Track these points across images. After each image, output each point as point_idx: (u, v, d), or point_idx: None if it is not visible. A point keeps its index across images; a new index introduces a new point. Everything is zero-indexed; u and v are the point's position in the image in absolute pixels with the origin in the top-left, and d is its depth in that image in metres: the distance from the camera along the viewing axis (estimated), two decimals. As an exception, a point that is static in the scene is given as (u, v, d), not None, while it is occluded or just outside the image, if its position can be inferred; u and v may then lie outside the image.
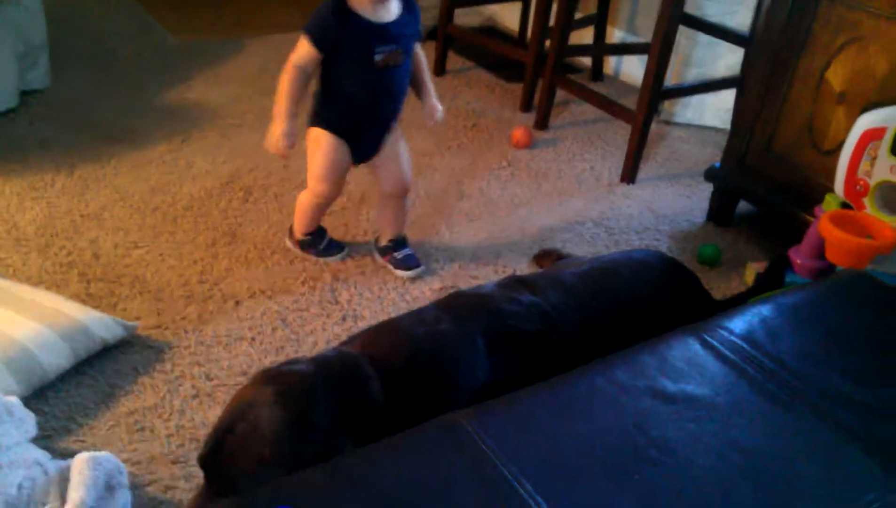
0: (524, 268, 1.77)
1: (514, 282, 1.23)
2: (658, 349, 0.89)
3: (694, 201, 2.12)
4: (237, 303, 1.59)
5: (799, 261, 1.67)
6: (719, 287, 1.75)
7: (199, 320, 1.53)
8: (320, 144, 1.61)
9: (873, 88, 1.63)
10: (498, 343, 1.12)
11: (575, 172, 2.23)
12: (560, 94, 2.50)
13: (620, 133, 2.42)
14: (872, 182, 1.45)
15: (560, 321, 1.14)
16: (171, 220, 1.84)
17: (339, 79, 1.55)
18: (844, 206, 1.54)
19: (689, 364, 0.86)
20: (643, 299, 1.25)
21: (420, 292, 1.67)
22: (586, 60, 2.92)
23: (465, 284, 1.71)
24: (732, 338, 0.91)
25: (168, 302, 1.57)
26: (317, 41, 1.50)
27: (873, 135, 1.44)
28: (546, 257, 1.78)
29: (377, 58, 1.51)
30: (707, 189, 2.06)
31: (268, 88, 2.59)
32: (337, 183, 1.65)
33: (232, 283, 1.64)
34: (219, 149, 2.17)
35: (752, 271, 1.79)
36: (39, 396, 1.30)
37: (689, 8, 2.32)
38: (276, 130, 1.54)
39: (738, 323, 0.94)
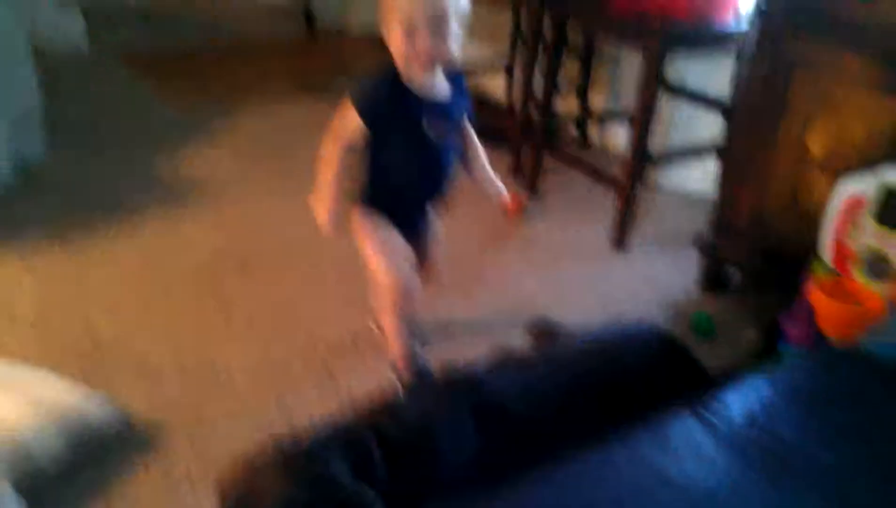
0: (517, 339, 1.78)
1: (507, 359, 1.24)
2: (655, 428, 0.89)
3: (684, 267, 2.14)
4: (231, 379, 1.58)
5: (790, 329, 1.69)
6: (714, 356, 1.76)
7: (193, 398, 1.52)
8: (366, 229, 1.50)
9: (852, 154, 1.67)
10: (487, 421, 1.13)
11: (566, 240, 2.26)
12: (547, 161, 2.54)
13: (609, 199, 2.45)
14: (858, 250, 1.48)
15: (553, 400, 1.14)
16: (165, 294, 1.84)
17: (385, 155, 1.46)
18: (833, 273, 1.57)
19: (687, 444, 0.87)
20: (639, 379, 1.25)
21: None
22: (571, 130, 2.98)
23: (457, 358, 1.71)
24: (730, 415, 0.92)
25: (163, 381, 1.56)
26: (367, 117, 1.39)
27: (856, 203, 1.48)
28: (538, 327, 1.79)
29: (428, 133, 1.43)
30: (697, 255, 2.09)
31: (261, 157, 2.65)
32: (403, 267, 1.48)
33: (227, 358, 1.64)
34: (213, 220, 2.19)
35: (745, 341, 1.80)
36: (32, 484, 1.28)
37: (671, 76, 2.40)
38: (322, 212, 1.42)
39: (735, 400, 0.94)
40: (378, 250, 1.47)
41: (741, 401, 0.95)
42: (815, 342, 1.56)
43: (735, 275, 2.05)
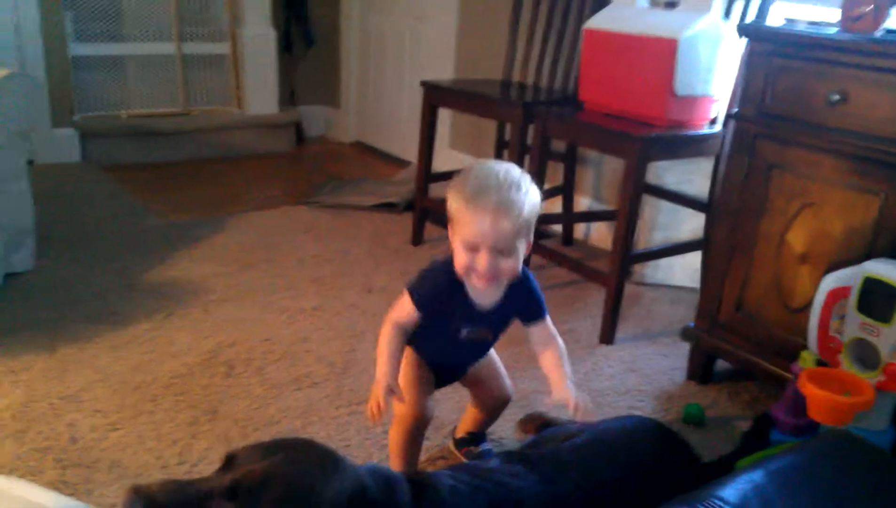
0: (510, 433, 1.75)
1: (514, 459, 1.25)
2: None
3: (673, 359, 2.15)
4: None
5: (782, 419, 1.68)
6: (706, 447, 1.74)
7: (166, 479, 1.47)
8: (406, 363, 1.51)
9: (833, 248, 1.72)
10: None
11: (554, 336, 2.26)
12: (535, 258, 2.58)
13: (595, 295, 2.49)
14: (844, 339, 1.50)
15: (561, 499, 1.14)
16: (150, 399, 1.81)
17: (421, 334, 1.47)
18: (820, 363, 1.58)
19: (687, 539, 0.85)
20: (640, 472, 1.25)
21: (406, 466, 1.63)
22: (557, 227, 3.05)
23: (450, 455, 1.68)
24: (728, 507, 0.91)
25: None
26: (423, 306, 1.41)
27: (839, 294, 1.51)
28: (531, 422, 1.78)
29: (462, 334, 1.45)
30: (685, 347, 2.10)
31: (249, 263, 2.68)
32: (425, 401, 1.48)
33: (211, 464, 1.59)
34: (201, 325, 2.19)
35: (737, 431, 1.78)
36: None
37: (650, 177, 2.48)
38: (379, 390, 1.36)
39: (731, 492, 0.93)
40: (408, 383, 1.48)
41: (737, 493, 0.94)
42: (807, 430, 1.55)
43: (724, 365, 2.06)
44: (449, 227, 1.37)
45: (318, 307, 2.34)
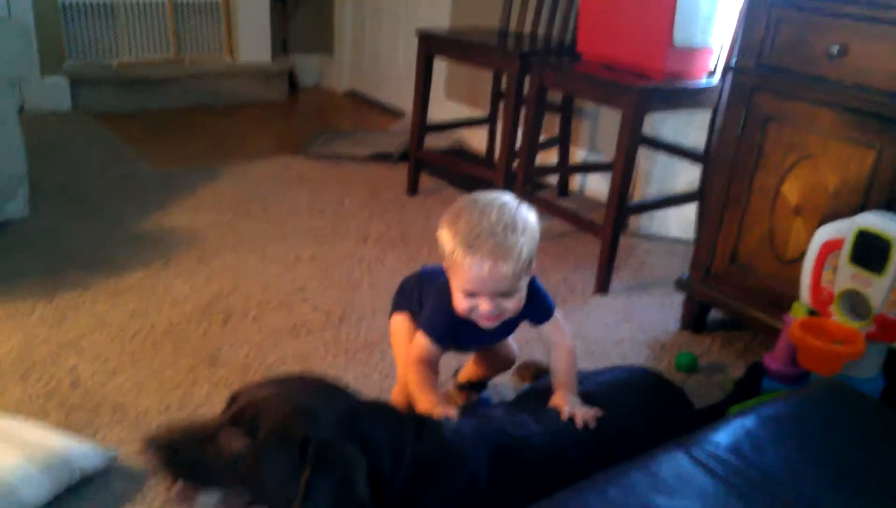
0: (506, 382, 1.78)
1: (519, 408, 1.30)
2: (648, 466, 0.90)
3: (667, 309, 2.18)
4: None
5: (773, 367, 1.71)
6: (699, 394, 1.78)
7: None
8: (403, 331, 1.51)
9: (826, 201, 1.73)
10: (503, 462, 1.16)
11: (549, 285, 2.26)
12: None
13: (590, 246, 2.50)
14: (836, 290, 1.52)
15: (565, 446, 1.20)
16: (150, 346, 1.83)
17: None
18: (812, 313, 1.60)
19: (680, 480, 0.88)
20: (635, 420, 1.28)
21: (403, 412, 1.66)
22: (552, 179, 3.05)
23: (452, 398, 1.71)
24: (719, 451, 0.93)
25: (148, 430, 1.54)
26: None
27: (832, 246, 1.52)
28: (527, 369, 1.80)
29: (470, 349, 1.54)
30: (679, 298, 2.13)
31: (244, 213, 2.67)
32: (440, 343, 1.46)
33: (212, 409, 1.62)
34: (197, 273, 2.20)
35: (729, 379, 1.82)
36: (14, 535, 1.26)
37: (646, 129, 2.47)
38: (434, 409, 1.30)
39: (724, 436, 0.96)
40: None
41: (729, 437, 0.96)
42: (798, 379, 1.59)
43: (717, 315, 2.09)
44: (444, 263, 1.33)
45: (314, 257, 2.35)
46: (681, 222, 2.62)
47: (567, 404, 1.28)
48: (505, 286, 1.27)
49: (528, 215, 1.31)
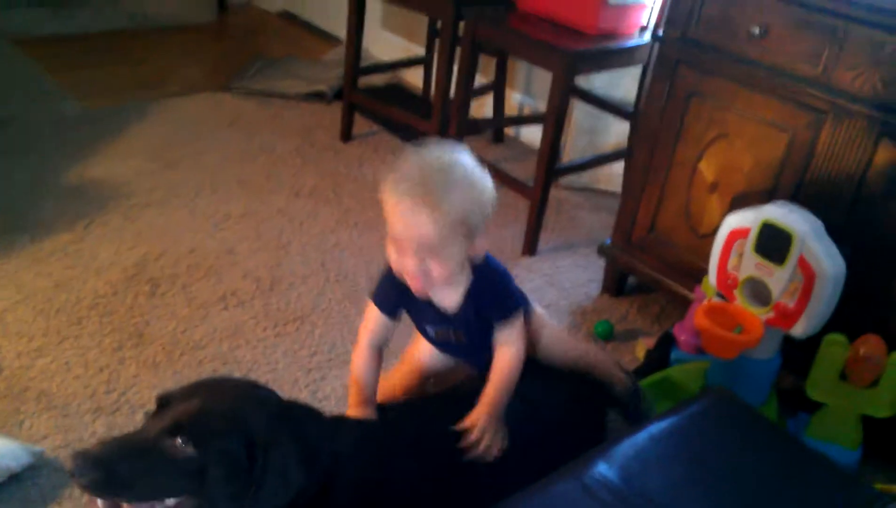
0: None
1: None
2: (542, 498, 0.98)
3: (591, 271, 2.25)
4: (146, 413, 1.59)
5: (682, 338, 1.81)
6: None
7: (105, 430, 1.54)
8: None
9: (741, 180, 1.79)
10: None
11: (478, 244, 2.32)
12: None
13: (520, 202, 2.52)
14: (741, 277, 1.60)
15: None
16: (75, 321, 1.82)
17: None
18: (719, 294, 1.69)
19: (569, 509, 0.96)
20: (555, 433, 1.33)
21: (332, 389, 1.72)
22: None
23: (374, 375, 1.77)
24: (609, 476, 1.01)
25: (75, 417, 1.57)
26: (382, 306, 1.32)
27: (739, 234, 1.59)
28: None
29: (430, 333, 1.38)
30: (602, 259, 2.20)
31: (175, 160, 2.61)
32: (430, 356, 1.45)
33: (140, 391, 1.65)
34: (123, 234, 2.16)
35: (642, 347, 1.92)
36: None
37: (579, 80, 2.46)
38: (350, 410, 1.30)
39: (615, 459, 1.04)
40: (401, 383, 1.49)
41: (620, 460, 1.04)
42: (705, 350, 1.68)
43: (636, 280, 2.17)
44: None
45: (244, 214, 2.33)
46: (611, 175, 2.66)
47: (477, 429, 1.21)
48: (427, 241, 1.14)
49: (476, 177, 1.18)
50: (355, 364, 1.34)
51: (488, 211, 1.20)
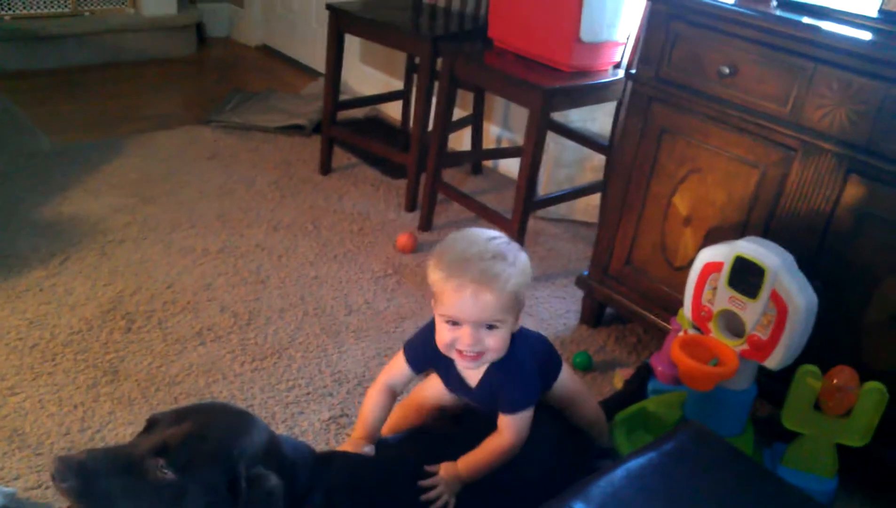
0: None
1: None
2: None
3: (569, 301, 2.26)
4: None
5: (659, 368, 1.83)
6: (593, 391, 1.88)
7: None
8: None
9: (714, 214, 1.82)
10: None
11: (457, 277, 2.33)
12: (441, 196, 2.61)
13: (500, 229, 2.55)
14: (715, 309, 1.62)
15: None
16: (49, 359, 1.80)
17: None
18: (693, 327, 1.71)
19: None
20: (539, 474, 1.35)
21: (309, 424, 1.71)
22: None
23: (353, 411, 1.76)
24: (587, 517, 1.02)
25: (48, 457, 1.54)
26: (413, 362, 1.39)
27: (713, 268, 1.61)
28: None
29: (448, 393, 1.45)
30: (580, 290, 2.21)
31: (152, 194, 2.60)
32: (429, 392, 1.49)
33: (115, 429, 1.63)
34: (99, 270, 2.15)
35: (619, 377, 1.93)
36: None
37: (556, 115, 2.50)
38: (348, 448, 1.34)
39: (592, 499, 1.04)
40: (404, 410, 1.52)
41: (599, 499, 1.04)
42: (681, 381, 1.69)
43: (613, 312, 2.19)
44: (432, 301, 1.30)
45: (222, 249, 2.32)
46: (587, 206, 2.70)
47: (441, 485, 1.27)
48: (488, 315, 1.23)
49: (519, 253, 1.29)
50: (367, 399, 1.39)
51: (526, 287, 1.29)
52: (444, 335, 1.28)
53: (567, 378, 1.51)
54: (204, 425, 1.09)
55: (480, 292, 1.21)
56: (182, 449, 1.05)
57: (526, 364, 1.35)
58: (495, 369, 1.33)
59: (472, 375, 1.36)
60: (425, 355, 1.38)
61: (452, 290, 1.22)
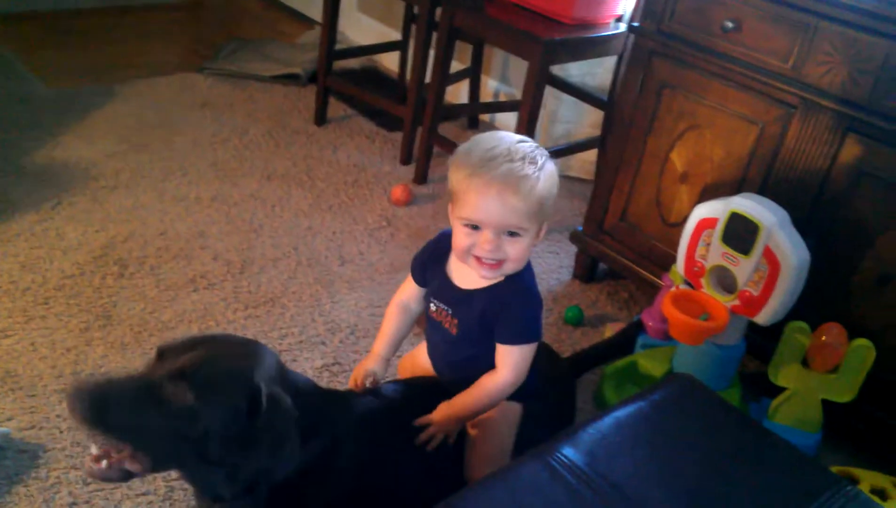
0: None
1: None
2: (509, 479, 0.99)
3: (562, 256, 2.27)
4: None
5: (650, 324, 1.84)
6: (581, 345, 1.90)
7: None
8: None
9: (710, 170, 1.81)
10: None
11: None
12: (437, 149, 2.59)
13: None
14: (707, 265, 1.62)
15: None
16: (42, 302, 1.80)
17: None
18: (687, 282, 1.71)
19: (537, 494, 0.97)
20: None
21: (302, 371, 1.71)
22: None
23: (346, 360, 1.77)
24: (576, 459, 1.03)
25: (41, 398, 1.55)
26: (413, 269, 1.34)
27: (707, 224, 1.61)
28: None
29: (431, 307, 1.31)
30: (573, 245, 2.21)
31: (142, 142, 2.57)
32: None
33: (108, 372, 1.64)
34: (91, 216, 2.13)
35: (610, 332, 1.94)
36: None
37: (555, 68, 2.47)
38: (360, 370, 1.33)
39: (581, 444, 1.05)
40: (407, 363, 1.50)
41: (586, 444, 1.06)
42: (671, 336, 1.71)
43: (606, 267, 2.19)
44: (449, 205, 1.22)
45: (215, 198, 2.31)
46: (583, 162, 2.68)
47: (435, 426, 1.26)
48: (513, 220, 1.13)
49: (549, 160, 1.19)
50: (384, 318, 1.39)
51: (553, 198, 1.20)
52: (461, 240, 1.18)
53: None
54: (219, 350, 1.10)
55: (506, 194, 1.11)
56: (202, 372, 1.04)
57: (535, 293, 1.25)
58: (504, 284, 1.22)
59: (468, 278, 1.24)
60: (422, 264, 1.31)
61: (476, 189, 1.12)
